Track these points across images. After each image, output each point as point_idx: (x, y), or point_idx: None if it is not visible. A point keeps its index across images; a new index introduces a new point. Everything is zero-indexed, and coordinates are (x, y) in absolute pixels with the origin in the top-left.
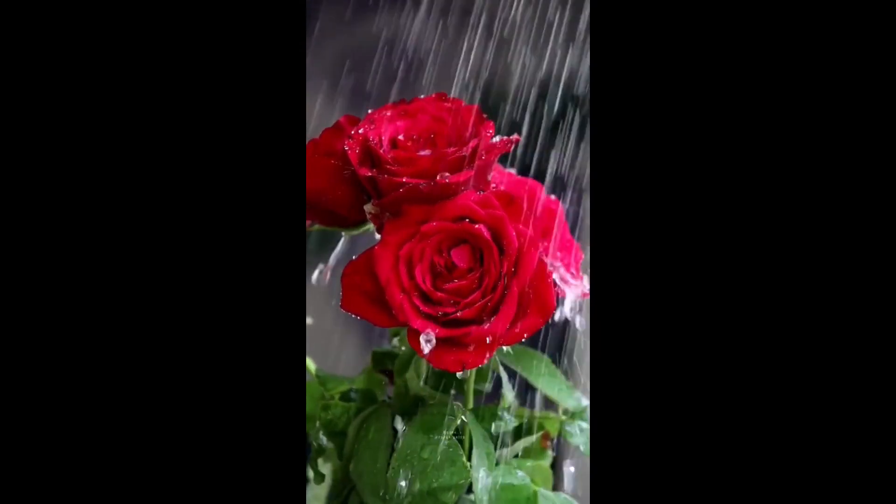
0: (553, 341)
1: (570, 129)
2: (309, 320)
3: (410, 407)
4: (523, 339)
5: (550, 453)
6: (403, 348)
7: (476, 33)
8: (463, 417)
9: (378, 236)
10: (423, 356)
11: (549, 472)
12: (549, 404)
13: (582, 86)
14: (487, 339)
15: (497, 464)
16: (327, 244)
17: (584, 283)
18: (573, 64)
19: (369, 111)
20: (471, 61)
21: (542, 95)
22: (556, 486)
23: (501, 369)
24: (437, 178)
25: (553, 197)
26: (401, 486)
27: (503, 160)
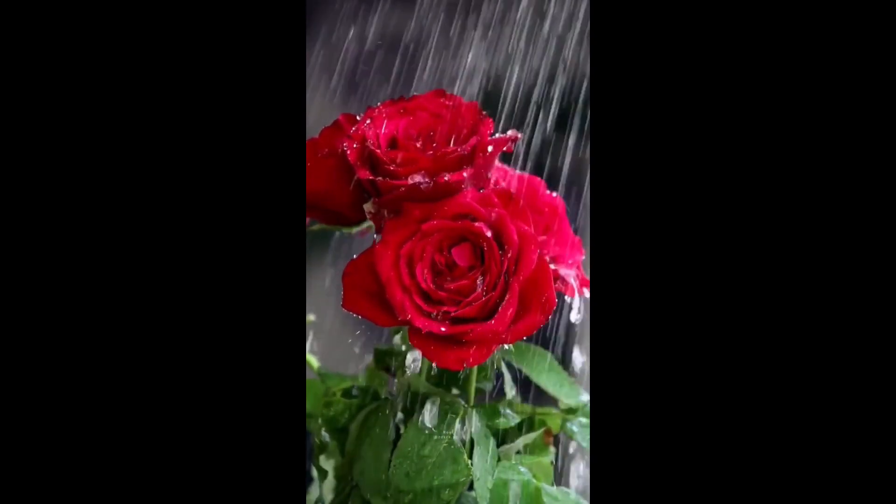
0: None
1: (571, 126)
2: (311, 317)
3: (412, 404)
4: (525, 337)
5: (552, 450)
6: (405, 346)
7: (475, 29)
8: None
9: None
10: (425, 354)
11: (551, 468)
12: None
13: (582, 83)
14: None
15: (499, 461)
16: (327, 242)
17: (584, 276)
18: (573, 61)
19: (368, 108)
20: (470, 58)
21: (542, 92)
22: (558, 481)
23: (503, 366)
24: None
25: (554, 193)
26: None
27: (504, 157)
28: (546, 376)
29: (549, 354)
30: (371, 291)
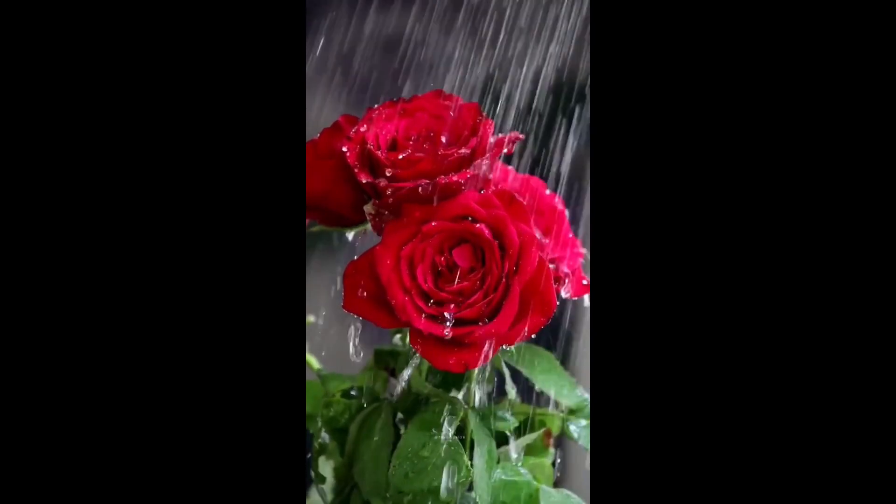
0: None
1: (571, 126)
2: (311, 318)
3: (412, 405)
4: (525, 339)
5: (552, 451)
6: (405, 346)
7: (474, 30)
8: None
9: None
10: (425, 356)
11: (551, 469)
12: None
13: (582, 83)
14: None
15: (499, 462)
16: (327, 244)
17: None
18: (573, 61)
19: (367, 109)
20: (470, 59)
21: (543, 93)
22: (558, 482)
23: (504, 367)
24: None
25: (555, 194)
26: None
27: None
28: (546, 377)
29: (549, 355)
30: (372, 293)
